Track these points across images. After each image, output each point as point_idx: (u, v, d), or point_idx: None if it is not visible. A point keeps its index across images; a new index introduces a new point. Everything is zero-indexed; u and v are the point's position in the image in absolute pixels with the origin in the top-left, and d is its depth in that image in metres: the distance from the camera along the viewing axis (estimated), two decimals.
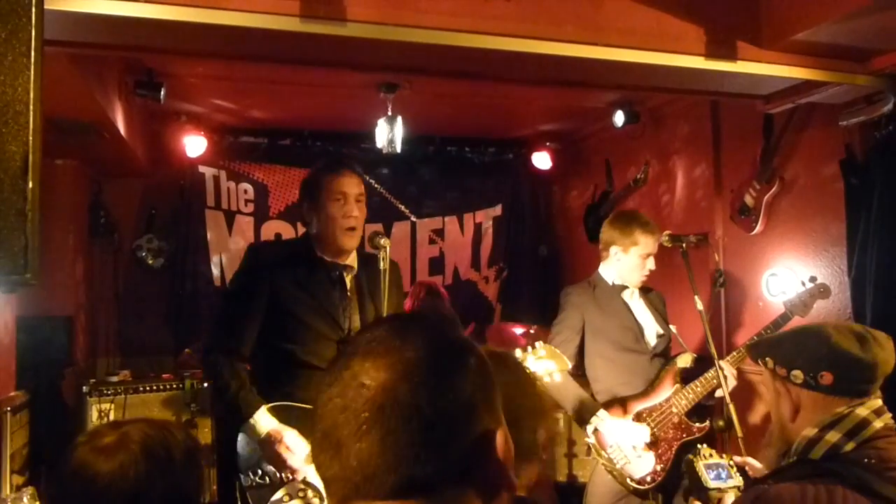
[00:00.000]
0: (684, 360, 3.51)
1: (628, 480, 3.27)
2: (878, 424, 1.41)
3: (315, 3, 2.70)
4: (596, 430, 3.28)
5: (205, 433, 4.25)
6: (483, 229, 6.89)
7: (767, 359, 1.55)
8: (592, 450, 3.38)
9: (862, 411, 1.42)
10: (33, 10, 1.26)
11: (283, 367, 2.67)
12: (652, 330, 3.62)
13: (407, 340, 0.79)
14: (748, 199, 4.50)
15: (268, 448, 2.53)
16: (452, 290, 6.11)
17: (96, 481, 1.38)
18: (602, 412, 3.31)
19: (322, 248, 2.72)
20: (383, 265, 2.59)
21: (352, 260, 2.74)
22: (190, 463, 1.49)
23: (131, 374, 4.91)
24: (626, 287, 3.63)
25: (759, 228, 4.48)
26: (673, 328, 3.62)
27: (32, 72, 1.25)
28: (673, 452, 3.32)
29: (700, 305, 3.40)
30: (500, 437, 0.80)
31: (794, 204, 4.35)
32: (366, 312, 2.73)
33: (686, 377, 3.47)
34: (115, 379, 4.52)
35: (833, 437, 1.41)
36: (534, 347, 2.89)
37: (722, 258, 4.79)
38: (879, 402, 1.47)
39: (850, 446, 1.39)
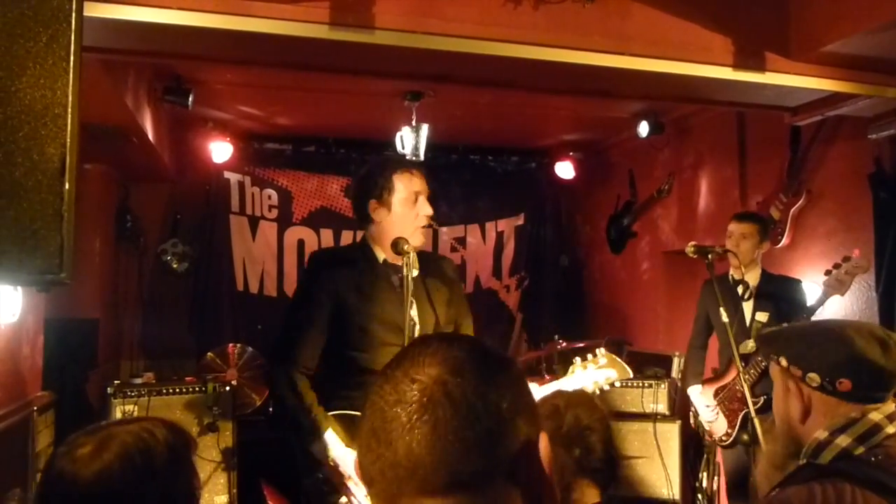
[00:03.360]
0: (745, 347, 3.80)
1: (715, 436, 3.97)
2: (890, 430, 1.37)
3: (344, 11, 2.72)
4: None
5: (226, 436, 4.27)
6: (505, 238, 6.89)
7: (782, 357, 1.48)
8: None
9: (875, 416, 1.38)
10: (73, 16, 1.28)
11: (347, 374, 2.64)
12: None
13: (454, 344, 0.83)
14: (774, 212, 4.46)
15: (335, 473, 2.54)
16: (473, 299, 6.11)
17: (75, 491, 1.35)
18: (692, 388, 4.07)
19: (384, 250, 2.67)
20: (405, 271, 2.58)
21: (413, 261, 2.70)
22: (175, 466, 1.44)
23: (155, 376, 4.95)
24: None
25: (785, 241, 4.43)
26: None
27: (71, 76, 1.28)
28: (738, 420, 3.86)
29: (725, 317, 3.37)
30: (545, 443, 0.81)
31: (821, 217, 4.30)
32: (426, 314, 2.69)
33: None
34: (138, 381, 4.55)
35: (843, 441, 1.37)
36: (594, 355, 2.85)
37: None
38: (893, 406, 1.42)
39: (859, 451, 1.36)
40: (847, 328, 1.44)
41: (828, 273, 3.48)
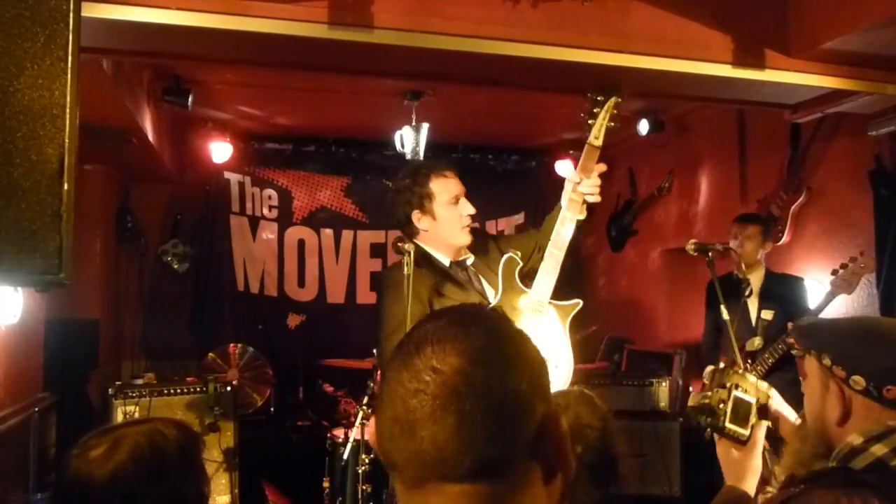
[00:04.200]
0: (752, 344, 3.82)
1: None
2: None
3: (343, 11, 2.72)
4: None
5: (227, 437, 4.27)
6: None
7: (825, 354, 1.38)
8: None
9: None
10: (71, 16, 1.28)
11: None
12: None
13: (470, 329, 0.83)
14: (775, 210, 4.45)
15: None
16: None
17: (90, 492, 1.37)
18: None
19: (443, 253, 2.65)
20: (407, 270, 2.57)
21: (467, 253, 2.70)
22: (186, 465, 1.46)
23: (156, 376, 4.96)
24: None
25: (785, 238, 4.42)
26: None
27: (69, 76, 1.28)
28: None
29: (726, 315, 3.36)
30: (560, 419, 0.84)
31: (821, 214, 4.30)
32: (499, 290, 2.64)
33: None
34: (139, 381, 4.56)
35: (879, 450, 1.30)
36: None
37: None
38: None
39: (895, 462, 1.28)
40: None
41: (834, 273, 3.49)
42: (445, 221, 2.60)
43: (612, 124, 2.62)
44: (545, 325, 2.55)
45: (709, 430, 1.64)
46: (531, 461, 0.80)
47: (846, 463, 1.33)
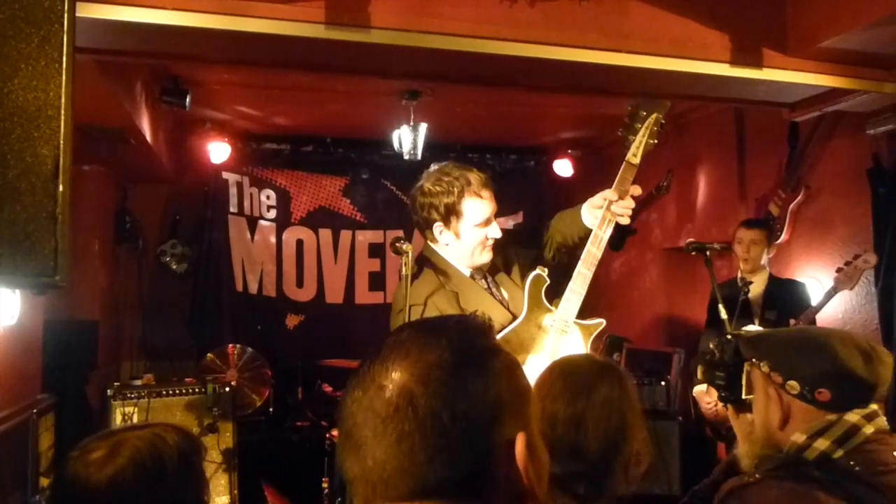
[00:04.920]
0: None
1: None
2: (868, 430, 1.36)
3: (340, 11, 2.71)
4: None
5: (226, 437, 4.27)
6: None
7: (764, 362, 1.48)
8: None
9: (852, 417, 1.37)
10: (66, 16, 1.28)
11: None
12: None
13: (429, 344, 0.79)
14: (773, 208, 4.45)
15: None
16: None
17: (87, 495, 1.36)
18: (697, 387, 3.83)
19: (463, 264, 2.52)
20: (405, 271, 2.56)
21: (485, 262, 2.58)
22: (185, 471, 1.44)
23: (154, 377, 4.95)
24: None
25: (784, 237, 4.42)
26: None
27: (64, 77, 1.27)
28: None
29: (724, 314, 3.37)
30: (521, 445, 0.77)
31: (819, 213, 4.30)
32: (516, 297, 2.54)
33: None
34: (138, 382, 4.55)
35: (822, 444, 1.37)
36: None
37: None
38: (874, 406, 1.41)
39: (838, 454, 1.35)
40: (831, 337, 1.43)
41: (839, 270, 3.50)
42: (468, 242, 2.45)
43: (653, 142, 2.41)
44: (569, 345, 2.48)
45: (729, 405, 1.65)
46: (485, 488, 0.75)
47: (795, 458, 1.39)
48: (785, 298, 3.90)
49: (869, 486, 1.29)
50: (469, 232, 2.43)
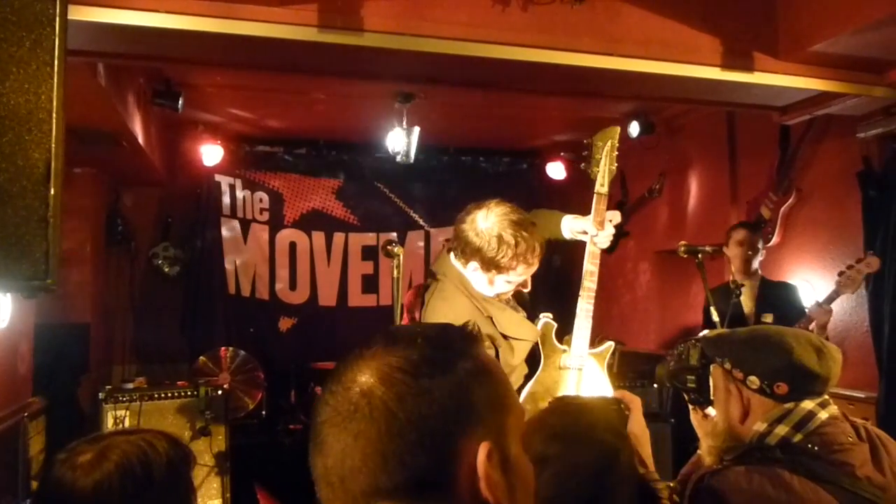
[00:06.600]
0: None
1: None
2: (823, 416, 1.49)
3: (333, 14, 2.72)
4: None
5: (219, 441, 4.25)
6: None
7: (726, 359, 1.59)
8: None
9: (807, 404, 1.50)
10: (57, 20, 1.28)
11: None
12: None
13: (397, 346, 0.79)
14: (764, 211, 4.48)
15: None
16: None
17: (72, 499, 1.34)
18: None
19: (484, 288, 2.44)
20: (396, 273, 2.56)
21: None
22: (173, 481, 1.42)
23: (146, 380, 4.93)
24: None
25: (775, 240, 4.44)
26: None
27: (56, 81, 1.27)
28: None
29: (716, 317, 3.38)
30: (482, 455, 0.75)
31: (811, 215, 4.32)
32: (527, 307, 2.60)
33: None
34: (130, 386, 4.53)
35: (782, 430, 1.49)
36: None
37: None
38: (825, 396, 1.54)
39: (798, 438, 1.47)
40: (787, 335, 1.55)
41: (841, 274, 3.52)
42: (495, 289, 2.42)
43: (614, 167, 2.52)
44: (588, 376, 2.53)
45: (696, 406, 1.72)
46: (441, 496, 0.74)
47: (759, 445, 1.52)
48: (778, 299, 3.91)
49: (827, 462, 1.43)
50: (502, 285, 2.40)
